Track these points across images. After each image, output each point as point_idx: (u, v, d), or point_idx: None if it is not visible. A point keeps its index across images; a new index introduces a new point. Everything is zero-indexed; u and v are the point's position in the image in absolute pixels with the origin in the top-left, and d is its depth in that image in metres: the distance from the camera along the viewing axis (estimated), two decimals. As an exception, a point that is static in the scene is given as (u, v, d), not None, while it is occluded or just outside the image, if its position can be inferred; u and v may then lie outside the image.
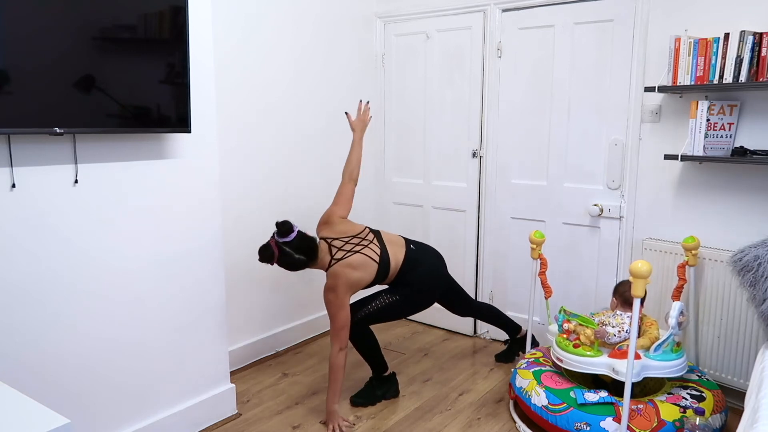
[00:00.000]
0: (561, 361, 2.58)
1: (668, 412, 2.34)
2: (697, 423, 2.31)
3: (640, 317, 2.59)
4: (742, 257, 2.34)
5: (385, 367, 2.93)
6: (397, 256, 2.80)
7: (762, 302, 2.26)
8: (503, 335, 3.58)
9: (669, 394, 2.47)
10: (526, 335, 3.23)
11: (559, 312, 2.71)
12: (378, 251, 2.75)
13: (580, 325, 2.60)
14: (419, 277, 2.82)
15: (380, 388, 2.92)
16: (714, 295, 2.78)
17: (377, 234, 2.83)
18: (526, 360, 2.85)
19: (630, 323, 2.51)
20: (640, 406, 2.36)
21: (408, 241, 2.90)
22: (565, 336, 2.62)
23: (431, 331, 3.91)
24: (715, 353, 2.81)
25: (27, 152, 2.05)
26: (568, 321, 2.64)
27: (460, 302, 3.18)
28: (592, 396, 2.43)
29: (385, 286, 2.87)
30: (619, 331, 2.50)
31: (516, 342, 3.32)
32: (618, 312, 2.62)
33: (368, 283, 2.75)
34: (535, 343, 3.20)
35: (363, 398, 2.89)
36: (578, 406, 2.42)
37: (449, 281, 3.08)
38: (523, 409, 2.64)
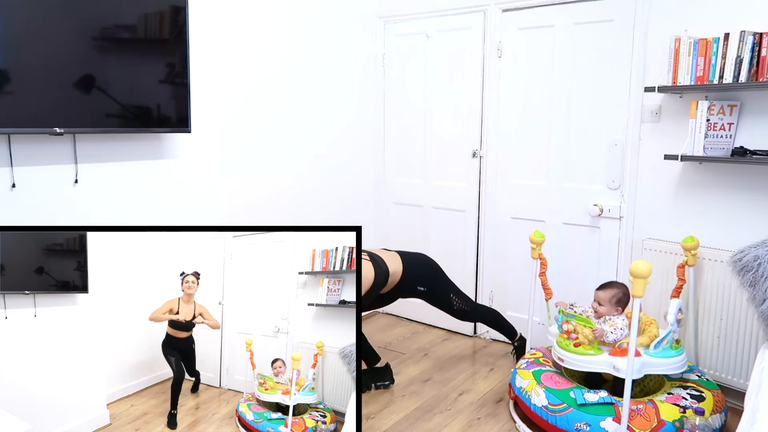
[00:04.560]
0: (563, 360, 2.58)
1: (668, 412, 2.34)
2: (697, 423, 2.31)
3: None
4: (742, 257, 2.34)
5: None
6: (392, 260, 3.01)
7: (762, 302, 2.27)
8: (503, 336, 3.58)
9: (669, 394, 2.47)
10: (520, 342, 3.31)
11: (558, 313, 2.71)
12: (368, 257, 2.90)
13: (579, 325, 2.61)
14: (421, 264, 3.14)
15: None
16: (714, 295, 2.78)
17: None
18: (526, 360, 2.85)
19: (623, 325, 2.53)
20: (640, 406, 2.36)
21: (399, 251, 3.13)
22: (565, 336, 2.63)
23: (431, 331, 3.91)
24: (715, 353, 2.81)
25: (27, 152, 2.05)
26: (567, 322, 2.65)
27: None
28: (591, 396, 2.43)
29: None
30: (615, 329, 2.51)
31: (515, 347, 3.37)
32: (608, 317, 2.59)
33: (371, 282, 2.83)
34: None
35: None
36: (578, 406, 2.42)
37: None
38: (523, 409, 2.64)
